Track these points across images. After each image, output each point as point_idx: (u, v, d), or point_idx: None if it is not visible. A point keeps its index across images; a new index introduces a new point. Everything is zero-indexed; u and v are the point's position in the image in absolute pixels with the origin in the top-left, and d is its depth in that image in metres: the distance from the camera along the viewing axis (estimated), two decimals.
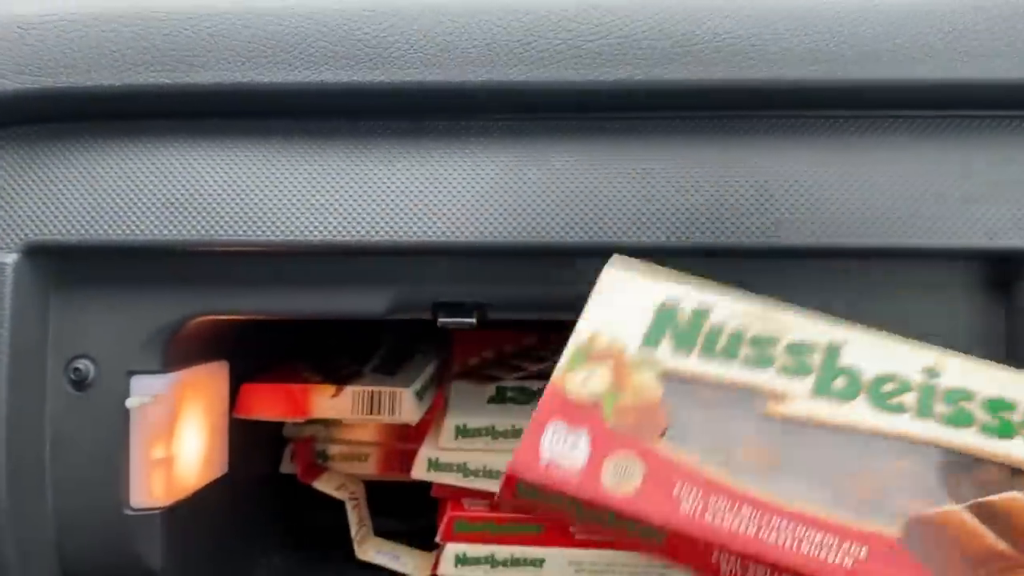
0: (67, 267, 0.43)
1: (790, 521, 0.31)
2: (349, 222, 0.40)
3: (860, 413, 0.33)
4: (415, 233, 0.40)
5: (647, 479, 0.32)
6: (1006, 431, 0.32)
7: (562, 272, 0.42)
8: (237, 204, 0.41)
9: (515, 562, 0.52)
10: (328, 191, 0.41)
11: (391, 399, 0.52)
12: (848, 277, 0.41)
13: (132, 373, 0.43)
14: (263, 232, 0.41)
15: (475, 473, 0.52)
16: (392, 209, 0.40)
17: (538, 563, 0.52)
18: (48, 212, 0.41)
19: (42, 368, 0.42)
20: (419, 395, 0.53)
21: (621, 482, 0.32)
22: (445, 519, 0.52)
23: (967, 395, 0.33)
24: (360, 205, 0.40)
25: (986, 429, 0.32)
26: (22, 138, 0.42)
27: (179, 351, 0.44)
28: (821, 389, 0.33)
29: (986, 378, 0.33)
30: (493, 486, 0.51)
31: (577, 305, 0.42)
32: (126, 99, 0.41)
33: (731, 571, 0.31)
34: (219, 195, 0.41)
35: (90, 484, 0.43)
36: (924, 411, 0.33)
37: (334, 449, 0.59)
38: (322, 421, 0.58)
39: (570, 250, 0.40)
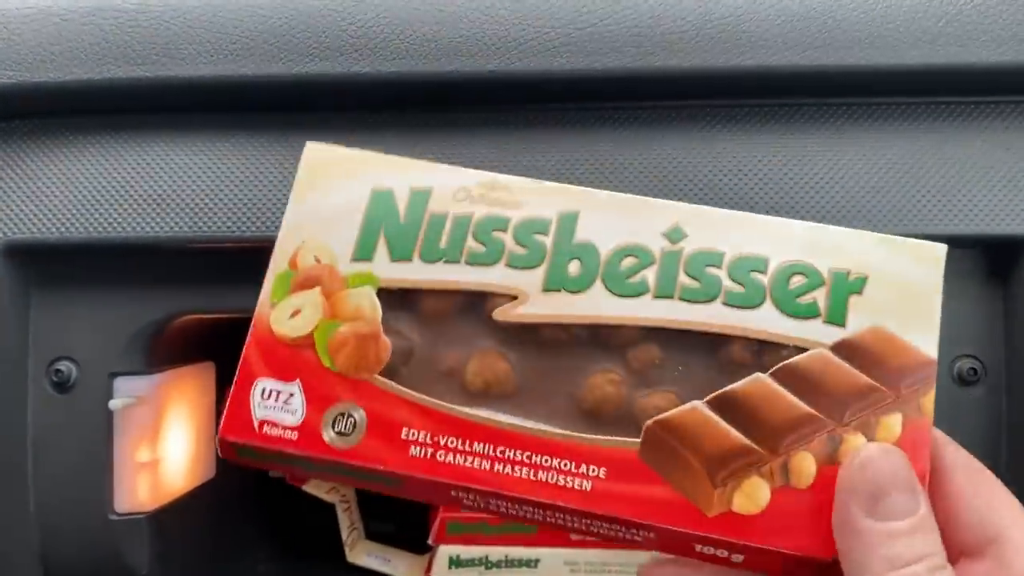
0: (47, 266, 0.42)
1: (524, 450, 0.28)
2: None
3: (596, 303, 0.29)
4: None
5: (370, 426, 0.28)
6: (752, 299, 0.29)
7: None
8: (221, 199, 0.40)
9: (509, 563, 0.51)
10: None
11: None
12: None
13: (115, 374, 0.42)
14: (248, 228, 0.40)
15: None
16: None
17: (533, 563, 0.51)
18: (27, 210, 0.40)
19: (23, 370, 0.41)
20: None
21: (344, 433, 0.28)
22: (437, 520, 0.51)
23: (713, 258, 0.29)
24: None
25: (730, 300, 0.29)
26: (0, 134, 0.41)
27: (163, 351, 0.43)
28: (553, 281, 0.29)
29: (736, 231, 0.30)
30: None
31: None
32: (106, 93, 0.40)
33: (475, 505, 0.29)
34: (203, 190, 0.40)
35: (74, 488, 0.42)
36: (665, 288, 0.29)
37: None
38: None
39: None
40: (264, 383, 0.29)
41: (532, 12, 0.39)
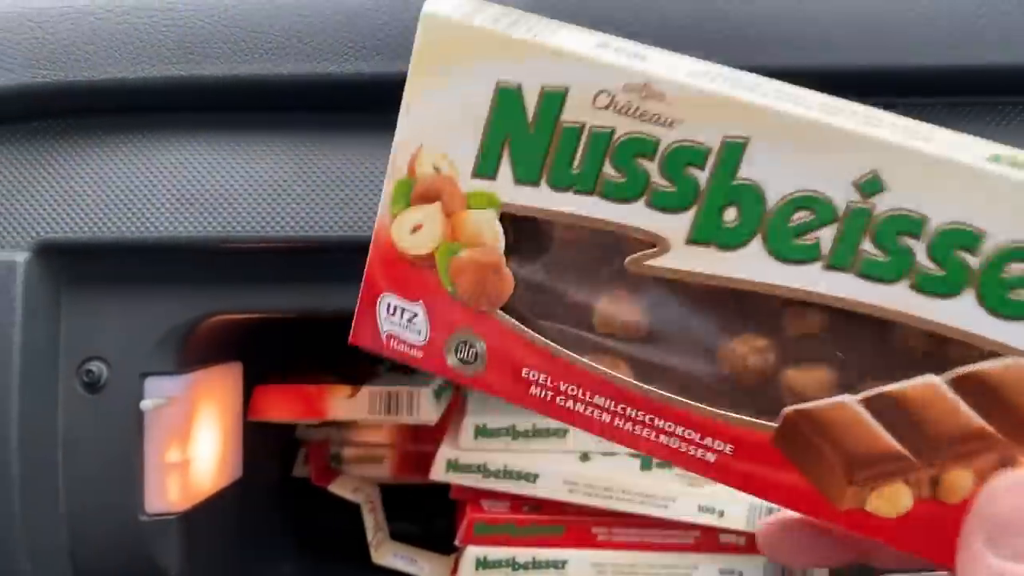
0: (79, 266, 0.42)
1: (647, 412, 0.25)
2: (369, 217, 0.39)
3: (751, 265, 0.24)
4: None
5: (491, 358, 0.27)
6: (952, 284, 0.22)
7: None
8: (254, 199, 0.40)
9: (537, 565, 0.51)
10: (348, 185, 0.40)
11: (409, 399, 0.51)
12: None
13: (146, 375, 0.41)
14: (281, 228, 0.40)
15: (495, 474, 0.50)
16: None
17: (560, 565, 0.51)
18: (59, 209, 0.40)
19: (54, 370, 0.41)
20: (437, 395, 0.52)
21: (467, 361, 0.27)
22: (465, 521, 0.51)
23: (914, 223, 0.22)
24: (379, 199, 0.39)
25: (923, 283, 0.23)
26: (33, 133, 0.41)
27: (194, 351, 0.43)
28: (702, 231, 0.24)
29: (956, 188, 0.22)
30: (514, 487, 0.50)
31: None
32: (139, 93, 0.40)
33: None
34: (235, 190, 0.40)
35: (104, 489, 0.42)
36: (841, 256, 0.23)
37: (348, 452, 0.58)
38: (336, 423, 0.57)
39: None
40: (389, 298, 0.28)
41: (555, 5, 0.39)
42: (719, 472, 0.25)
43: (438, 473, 0.51)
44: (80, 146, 0.41)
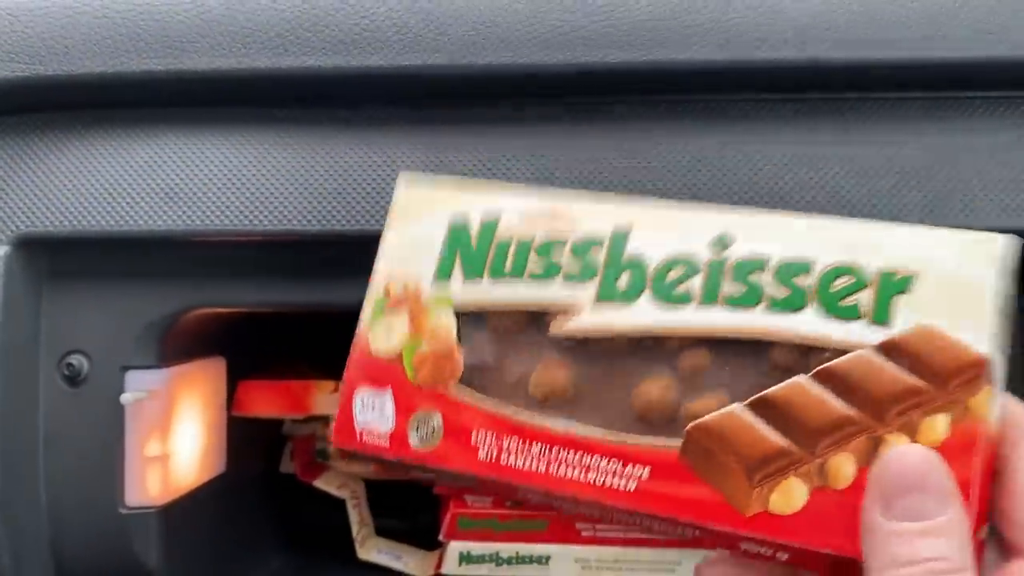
0: (59, 260, 0.42)
1: (575, 451, 0.30)
2: (350, 211, 0.39)
3: (644, 313, 0.30)
4: None
5: (447, 431, 0.32)
6: (795, 302, 0.29)
7: None
8: (234, 193, 0.40)
9: (520, 559, 0.51)
10: (329, 179, 0.40)
11: None
12: None
13: (127, 368, 0.42)
14: (261, 221, 0.40)
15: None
16: (391, 196, 0.39)
17: (544, 560, 0.51)
18: (39, 203, 0.40)
19: (35, 364, 0.41)
20: None
21: (426, 438, 0.32)
22: (448, 516, 0.51)
23: (758, 264, 0.30)
24: (361, 193, 0.39)
25: (774, 305, 0.29)
26: (12, 128, 0.41)
27: (175, 346, 0.43)
28: (605, 293, 0.31)
29: (783, 234, 0.30)
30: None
31: None
32: (118, 87, 0.40)
33: (539, 502, 0.33)
34: (215, 184, 0.40)
35: (85, 482, 0.42)
36: (709, 296, 0.30)
37: (334, 447, 0.58)
38: (322, 418, 0.57)
39: None
40: (363, 392, 0.34)
41: (551, 6, 0.39)
42: (640, 499, 0.29)
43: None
44: (60, 140, 0.41)
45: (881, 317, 0.28)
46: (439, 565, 0.52)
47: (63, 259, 0.42)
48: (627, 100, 0.40)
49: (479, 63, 0.39)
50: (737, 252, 0.30)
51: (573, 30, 0.38)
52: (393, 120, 0.40)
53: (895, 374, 0.28)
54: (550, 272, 0.32)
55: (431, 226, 0.34)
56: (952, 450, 0.26)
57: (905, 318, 0.28)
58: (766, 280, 0.29)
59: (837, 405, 0.28)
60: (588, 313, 0.31)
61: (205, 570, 0.48)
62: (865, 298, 0.28)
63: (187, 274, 0.42)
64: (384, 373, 0.33)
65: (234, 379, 0.51)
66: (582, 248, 0.32)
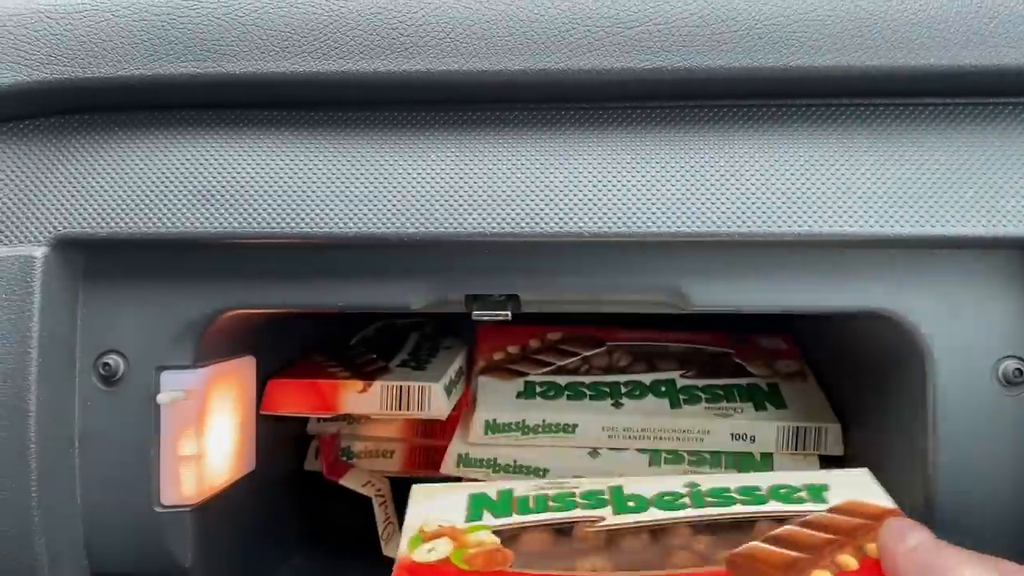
0: (97, 260, 0.42)
1: None
2: (383, 213, 0.40)
3: (653, 515, 0.39)
4: (449, 224, 0.39)
5: None
6: (760, 500, 0.40)
7: (595, 262, 0.41)
8: (270, 195, 0.40)
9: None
10: (363, 182, 0.40)
11: (420, 393, 0.51)
12: (896, 265, 0.41)
13: (162, 368, 0.42)
14: (297, 224, 0.40)
15: (505, 468, 0.51)
16: (426, 200, 0.40)
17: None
18: (78, 204, 0.41)
19: (71, 363, 0.42)
20: (447, 390, 0.52)
21: None
22: None
23: (724, 489, 0.40)
24: (395, 196, 0.40)
25: (745, 502, 0.39)
26: (51, 129, 0.41)
27: (209, 345, 0.44)
28: (619, 509, 0.39)
29: (729, 479, 0.42)
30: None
31: (609, 296, 0.42)
32: (157, 89, 0.40)
33: None
34: (252, 186, 0.40)
35: (120, 481, 0.42)
36: (698, 503, 0.39)
37: (359, 446, 0.58)
38: (346, 418, 0.57)
39: (603, 240, 0.39)
40: None
41: (581, 10, 0.39)
42: None
43: (448, 467, 0.52)
44: (99, 142, 0.41)
45: (818, 499, 0.40)
46: None
47: (100, 260, 0.42)
48: (662, 106, 0.40)
49: (513, 68, 0.39)
50: (706, 486, 0.41)
51: (609, 35, 0.38)
52: (427, 124, 0.41)
53: (818, 534, 0.38)
54: (569, 505, 0.40)
55: (453, 499, 0.41)
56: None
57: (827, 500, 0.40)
58: (735, 495, 0.40)
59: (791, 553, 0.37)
60: (611, 518, 0.39)
61: (236, 568, 0.48)
62: (804, 494, 0.40)
63: (223, 275, 0.42)
64: (434, 571, 0.36)
65: (263, 378, 0.52)
66: (590, 495, 0.40)
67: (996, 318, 0.40)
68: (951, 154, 0.39)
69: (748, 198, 0.39)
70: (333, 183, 0.40)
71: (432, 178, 0.40)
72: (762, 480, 0.41)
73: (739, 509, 0.39)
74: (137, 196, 0.40)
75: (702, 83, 0.39)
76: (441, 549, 0.37)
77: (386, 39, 0.39)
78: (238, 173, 0.40)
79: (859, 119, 0.40)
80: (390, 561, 0.54)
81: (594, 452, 0.51)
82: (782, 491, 0.40)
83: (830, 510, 0.39)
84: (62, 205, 0.41)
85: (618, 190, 0.39)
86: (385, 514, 0.56)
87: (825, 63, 0.38)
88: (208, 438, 0.44)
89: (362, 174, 0.40)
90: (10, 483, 0.39)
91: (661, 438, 0.51)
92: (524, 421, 0.51)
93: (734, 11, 0.38)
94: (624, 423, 0.51)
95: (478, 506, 0.40)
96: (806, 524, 0.39)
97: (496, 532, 0.38)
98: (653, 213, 0.39)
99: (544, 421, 0.51)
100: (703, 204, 0.39)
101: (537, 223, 0.39)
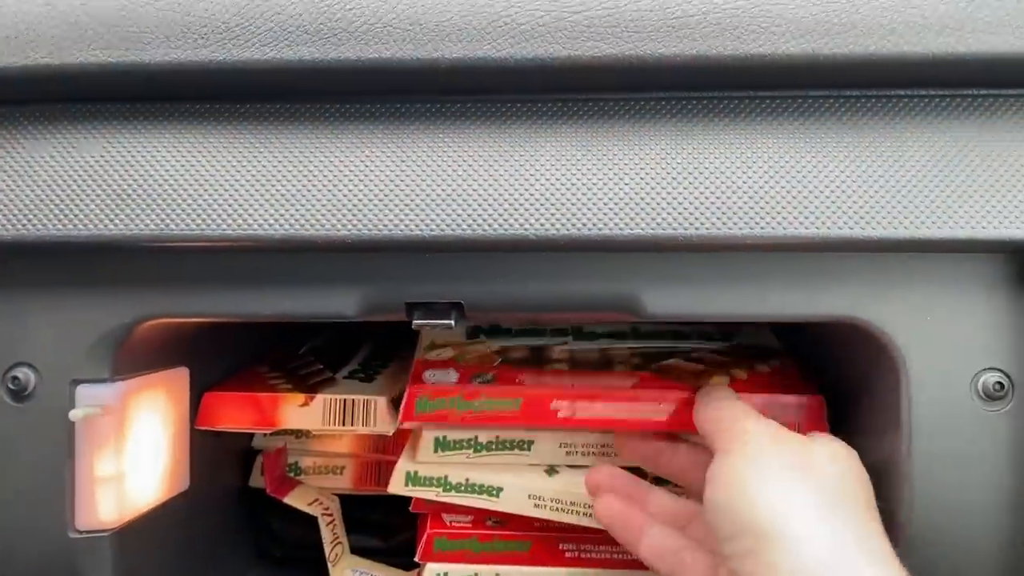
0: (5, 266, 0.39)
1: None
2: (314, 215, 0.37)
3: (602, 344, 0.53)
4: (386, 226, 0.36)
5: (499, 378, 0.48)
6: (683, 336, 0.54)
7: (544, 267, 0.38)
8: (191, 195, 0.37)
9: None
10: (291, 181, 0.37)
11: (365, 408, 0.48)
12: (869, 270, 0.38)
13: (77, 382, 0.39)
14: (220, 226, 0.37)
15: (456, 488, 0.48)
16: (361, 200, 0.37)
17: None
18: None
19: None
20: (396, 403, 0.49)
21: (484, 383, 0.47)
22: (424, 537, 0.49)
23: (658, 331, 0.55)
24: (325, 196, 0.37)
25: (673, 338, 0.54)
26: None
27: (130, 357, 0.41)
28: (577, 337, 0.54)
29: (663, 326, 0.56)
30: (476, 501, 0.48)
31: (559, 304, 0.39)
32: (66, 79, 0.37)
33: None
34: (171, 185, 0.37)
35: (32, 504, 0.39)
36: (637, 337, 0.54)
37: (307, 461, 0.55)
38: (294, 432, 0.54)
39: (552, 244, 0.36)
40: (429, 370, 0.49)
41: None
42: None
43: (397, 487, 0.48)
44: (4, 137, 0.38)
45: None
46: None
47: (8, 265, 0.39)
48: (610, 98, 0.37)
49: (452, 56, 0.36)
50: (644, 328, 0.56)
51: (554, 21, 0.36)
52: (360, 117, 0.38)
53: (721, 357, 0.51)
54: (542, 335, 0.54)
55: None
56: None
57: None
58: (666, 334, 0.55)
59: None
60: (571, 344, 0.53)
61: None
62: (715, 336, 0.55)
63: (142, 282, 0.39)
64: (443, 364, 0.49)
65: (198, 389, 0.48)
66: (557, 329, 0.55)
67: (975, 328, 0.38)
68: (928, 150, 0.36)
69: (707, 198, 0.36)
70: (259, 181, 0.37)
71: (366, 176, 0.37)
72: (686, 326, 0.55)
73: (667, 343, 0.53)
74: (46, 196, 0.37)
75: (655, 73, 0.36)
76: (446, 353, 0.50)
77: (313, 24, 0.36)
78: (155, 171, 0.37)
79: (828, 112, 0.37)
80: None
81: (551, 470, 0.48)
82: (700, 333, 0.54)
83: (733, 345, 0.53)
84: None
85: (567, 189, 0.36)
86: (333, 534, 0.52)
87: (789, 51, 0.35)
88: (130, 457, 0.41)
89: (290, 172, 0.37)
90: None
91: (619, 454, 0.48)
92: (476, 438, 0.48)
93: None
94: (582, 440, 0.48)
95: (475, 331, 0.54)
96: (714, 351, 0.52)
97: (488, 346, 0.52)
98: (605, 214, 0.36)
99: (498, 438, 0.48)
100: (659, 205, 0.36)
101: (480, 225, 0.36)
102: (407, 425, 0.47)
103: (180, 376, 0.46)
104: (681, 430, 0.45)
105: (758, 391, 0.46)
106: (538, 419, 0.46)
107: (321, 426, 0.48)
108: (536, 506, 0.47)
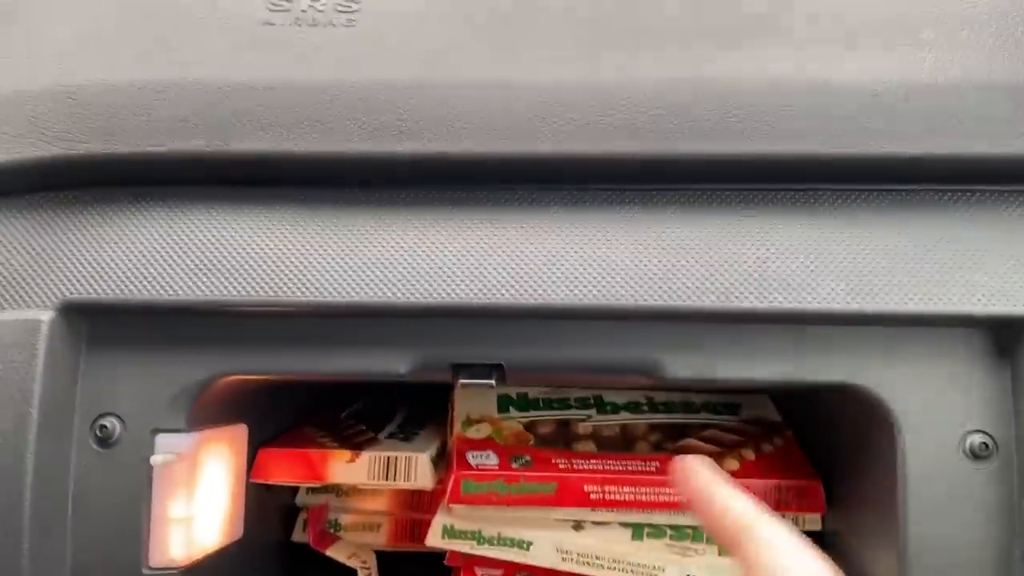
0: (99, 326, 0.44)
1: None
2: (374, 284, 0.42)
3: (623, 417, 0.59)
4: (438, 294, 0.41)
5: (535, 461, 0.53)
6: (695, 410, 0.61)
7: (575, 335, 0.43)
8: (266, 267, 0.42)
9: None
10: (353, 255, 0.42)
11: (407, 464, 0.52)
12: (867, 341, 0.43)
13: (157, 431, 0.43)
14: (290, 293, 0.42)
15: (489, 541, 0.52)
16: (416, 272, 0.42)
17: None
18: (85, 272, 0.43)
19: (69, 424, 0.43)
20: (434, 461, 0.53)
21: (521, 466, 0.52)
22: None
23: (671, 402, 0.61)
24: (383, 268, 0.42)
25: (685, 411, 0.60)
26: (64, 201, 0.44)
27: (203, 411, 0.45)
28: (600, 411, 0.60)
29: (674, 395, 0.61)
30: (508, 554, 0.51)
31: (590, 367, 0.43)
32: (163, 165, 0.42)
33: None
34: (248, 258, 0.42)
35: (110, 542, 0.43)
36: (653, 411, 0.60)
37: (346, 518, 0.59)
38: (335, 489, 0.58)
39: (582, 313, 0.41)
40: (470, 451, 0.54)
41: (558, 100, 0.42)
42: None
43: (434, 539, 0.52)
44: (107, 213, 0.43)
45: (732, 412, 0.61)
46: None
47: (102, 325, 0.44)
48: (638, 189, 0.43)
49: (497, 151, 0.42)
50: (658, 399, 0.61)
51: (586, 122, 0.41)
52: (414, 201, 0.43)
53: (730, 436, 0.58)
54: (567, 407, 0.59)
55: (486, 397, 0.60)
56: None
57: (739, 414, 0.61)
58: (678, 406, 0.61)
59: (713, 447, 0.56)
60: (595, 418, 0.59)
61: None
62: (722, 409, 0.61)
63: (220, 342, 0.44)
64: (482, 445, 0.54)
65: (254, 446, 0.53)
66: (579, 400, 0.61)
67: (962, 392, 0.42)
68: (916, 237, 0.42)
69: (719, 275, 0.41)
70: (325, 255, 0.42)
71: (422, 252, 0.42)
72: (696, 398, 0.61)
73: (680, 416, 0.59)
74: (141, 265, 0.42)
75: (679, 167, 0.41)
76: (484, 430, 0.56)
77: (375, 121, 0.42)
78: (236, 245, 0.43)
79: (828, 203, 0.42)
80: None
81: (578, 525, 0.52)
82: (709, 406, 0.60)
83: (740, 421, 0.59)
84: (70, 272, 0.43)
85: (596, 266, 0.41)
86: None
87: (789, 150, 0.41)
88: (198, 502, 0.45)
89: (353, 247, 0.42)
90: (2, 538, 0.40)
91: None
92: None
93: (715, 97, 0.41)
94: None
95: (505, 404, 0.59)
96: (724, 429, 0.58)
97: (519, 421, 0.57)
98: (627, 287, 0.41)
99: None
100: (675, 280, 0.41)
101: (519, 295, 0.41)
102: (454, 505, 0.52)
103: (241, 432, 0.51)
104: None
105: (763, 474, 0.53)
106: (572, 501, 0.51)
107: (367, 480, 0.52)
108: (563, 559, 0.51)
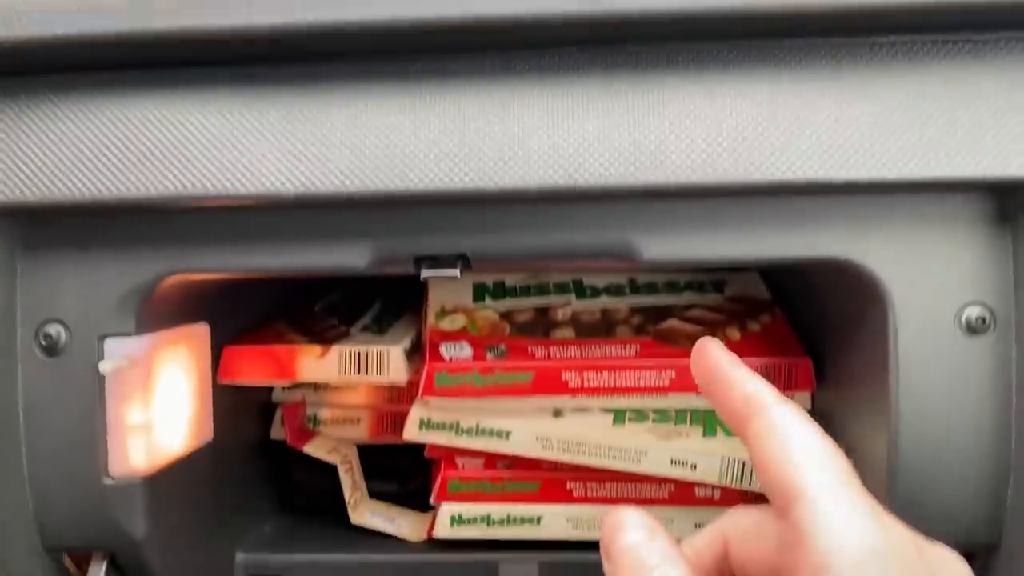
0: (33, 229, 0.41)
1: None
2: (327, 171, 0.38)
3: (603, 301, 0.56)
4: (394, 181, 0.38)
5: (510, 350, 0.51)
6: (678, 290, 0.57)
7: (544, 218, 0.40)
8: (211, 156, 0.39)
9: (512, 520, 0.51)
10: (305, 140, 0.39)
11: (379, 358, 0.50)
12: (856, 212, 0.39)
13: (105, 336, 0.41)
14: (238, 185, 0.39)
15: (468, 431, 0.50)
16: (372, 157, 0.38)
17: (535, 520, 0.51)
18: (10, 171, 0.39)
19: (11, 335, 0.41)
20: (408, 354, 0.51)
21: (497, 356, 0.50)
22: (439, 479, 0.51)
23: (654, 283, 0.58)
24: (338, 153, 0.38)
25: (668, 292, 0.57)
26: None
27: (155, 313, 0.43)
28: (580, 296, 0.57)
29: (656, 276, 0.58)
30: (487, 444, 0.50)
31: (559, 253, 0.40)
32: (87, 49, 0.38)
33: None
34: (191, 148, 0.39)
35: (67, 453, 0.41)
36: (634, 293, 0.57)
37: (325, 413, 0.57)
38: (312, 385, 0.57)
39: (551, 195, 0.38)
40: (444, 343, 0.51)
41: None
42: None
43: (411, 433, 0.51)
44: (31, 105, 0.40)
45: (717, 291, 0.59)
46: (432, 528, 0.52)
47: (37, 228, 0.41)
48: (605, 51, 0.39)
49: (457, 14, 0.37)
50: (640, 280, 0.58)
51: None
52: (370, 77, 0.39)
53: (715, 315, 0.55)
54: (545, 293, 0.56)
55: (460, 284, 0.57)
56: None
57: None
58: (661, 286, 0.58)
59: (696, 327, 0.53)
60: (574, 304, 0.56)
61: (194, 537, 0.48)
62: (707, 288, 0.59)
63: (165, 240, 0.41)
64: (456, 336, 0.52)
65: (219, 345, 0.51)
66: (559, 285, 0.57)
67: (958, 263, 0.39)
68: (911, 93, 0.38)
69: (697, 147, 0.37)
70: (275, 142, 0.39)
71: (377, 134, 0.38)
72: (680, 277, 0.58)
73: (663, 297, 0.56)
74: (72, 161, 0.39)
75: (639, 24, 0.37)
76: (458, 321, 0.53)
77: None
78: (176, 134, 0.39)
79: (812, 59, 0.38)
80: (359, 527, 0.54)
81: (557, 412, 0.50)
82: (694, 285, 0.57)
83: (727, 299, 0.56)
84: None
85: (563, 141, 0.38)
86: (352, 480, 0.55)
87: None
88: (157, 407, 0.43)
89: (303, 132, 0.39)
90: None
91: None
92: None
93: None
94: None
95: (481, 292, 0.56)
96: (709, 308, 0.55)
97: (495, 310, 0.55)
98: (601, 165, 0.38)
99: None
100: (650, 154, 0.37)
101: (483, 179, 0.38)
102: (428, 397, 0.50)
103: (201, 331, 0.48)
104: (682, 392, 0.49)
105: (750, 353, 0.49)
106: (549, 390, 0.49)
107: (337, 377, 0.50)
108: (543, 447, 0.49)
